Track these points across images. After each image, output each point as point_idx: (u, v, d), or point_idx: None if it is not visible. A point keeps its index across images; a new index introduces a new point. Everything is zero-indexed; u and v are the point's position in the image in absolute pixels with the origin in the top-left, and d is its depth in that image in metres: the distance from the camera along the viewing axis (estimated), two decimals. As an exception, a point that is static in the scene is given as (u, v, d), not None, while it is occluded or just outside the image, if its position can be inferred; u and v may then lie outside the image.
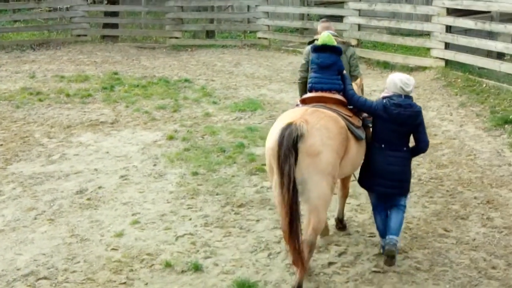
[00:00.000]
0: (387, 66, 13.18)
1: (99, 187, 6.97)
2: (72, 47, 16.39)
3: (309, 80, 5.54)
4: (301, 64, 6.56)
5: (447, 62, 12.05)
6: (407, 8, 13.68)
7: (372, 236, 5.81)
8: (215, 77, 12.76)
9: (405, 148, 5.23)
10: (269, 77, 12.59)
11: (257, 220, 6.15)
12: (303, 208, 4.76)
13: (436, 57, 12.26)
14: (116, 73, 13.07)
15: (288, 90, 11.30)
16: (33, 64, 14.31)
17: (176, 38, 16.84)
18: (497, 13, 12.52)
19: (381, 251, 5.38)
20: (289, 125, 4.66)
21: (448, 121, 9.35)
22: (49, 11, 19.63)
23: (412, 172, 7.26)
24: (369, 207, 6.33)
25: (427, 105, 10.18)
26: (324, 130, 4.76)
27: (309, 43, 6.27)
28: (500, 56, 11.44)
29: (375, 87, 11.67)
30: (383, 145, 5.20)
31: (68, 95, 11.13)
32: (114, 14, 18.07)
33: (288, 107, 9.93)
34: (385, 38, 14.17)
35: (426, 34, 13.45)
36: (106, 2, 17.85)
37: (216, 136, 8.79)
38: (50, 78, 12.67)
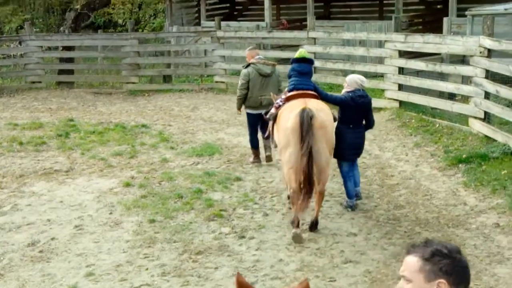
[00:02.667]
0: (343, 108, 13.35)
1: (52, 239, 6.77)
2: (27, 94, 16.15)
3: (291, 83, 7.28)
4: (242, 84, 9.10)
5: (401, 103, 12.28)
6: (360, 51, 13.97)
7: (332, 281, 5.76)
8: (173, 122, 12.71)
9: (363, 125, 7.48)
10: (227, 121, 12.59)
11: (216, 268, 6.05)
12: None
13: (390, 98, 12.49)
14: (71, 120, 12.88)
15: (246, 133, 11.28)
16: (-14, 112, 14.03)
17: (133, 83, 16.76)
18: (446, 55, 12.92)
19: (349, 208, 7.41)
20: (303, 109, 6.52)
21: (404, 161, 9.47)
22: (3, 58, 19.37)
23: (370, 213, 7.34)
24: (328, 251, 6.35)
25: (383, 145, 10.32)
26: (323, 111, 6.75)
27: (245, 67, 9.19)
28: (451, 96, 11.73)
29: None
30: (351, 126, 7.29)
31: (21, 143, 10.89)
32: (70, 60, 17.95)
33: (247, 151, 9.95)
34: (340, 80, 14.31)
35: (380, 76, 13.72)
36: (61, 48, 17.71)
37: (174, 182, 8.69)
38: (2, 126, 12.40)
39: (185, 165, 9.57)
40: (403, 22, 15.94)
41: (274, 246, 6.59)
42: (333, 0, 22.91)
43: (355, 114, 7.27)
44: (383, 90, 12.94)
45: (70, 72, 17.63)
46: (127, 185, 8.57)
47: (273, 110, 7.46)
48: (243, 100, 9.28)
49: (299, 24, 21.13)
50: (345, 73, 15.30)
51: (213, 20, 18.57)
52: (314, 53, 14.27)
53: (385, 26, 16.66)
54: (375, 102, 12.86)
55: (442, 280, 2.09)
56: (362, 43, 15.74)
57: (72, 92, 16.43)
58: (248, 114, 9.44)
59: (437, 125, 10.88)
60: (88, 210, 7.65)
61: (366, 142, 10.27)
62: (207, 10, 21.87)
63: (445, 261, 2.11)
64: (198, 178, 8.78)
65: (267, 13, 19.17)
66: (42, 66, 17.36)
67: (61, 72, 17.63)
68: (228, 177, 8.84)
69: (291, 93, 7.18)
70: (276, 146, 7.51)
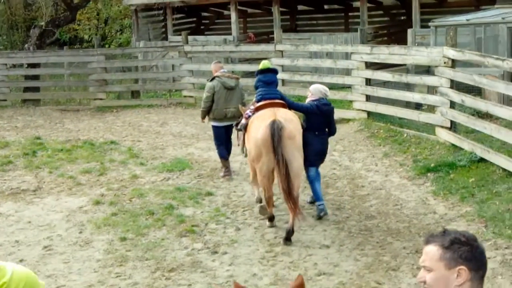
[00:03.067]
0: (312, 120, 13.42)
1: (20, 260, 6.61)
2: (-9, 112, 15.89)
3: (259, 93, 7.62)
4: (206, 97, 9.31)
5: (369, 113, 12.41)
6: (328, 63, 14.10)
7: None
8: (142, 137, 12.61)
9: (326, 132, 7.83)
10: (196, 135, 12.55)
11: (189, 285, 6.00)
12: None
13: (359, 109, 12.61)
14: (38, 138, 12.69)
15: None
16: (-51, 132, 13.74)
17: (101, 99, 16.62)
18: (412, 66, 13.13)
19: (317, 212, 7.66)
20: (273, 121, 6.89)
21: (373, 171, 9.55)
22: (-34, 76, 19.02)
23: (342, 225, 7.38)
24: (301, 264, 6.36)
25: (353, 156, 10.39)
26: (292, 122, 7.09)
27: (210, 80, 9.45)
28: (418, 106, 11.90)
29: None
30: (316, 132, 7.63)
31: (-14, 163, 10.69)
32: (35, 77, 17.73)
33: (217, 165, 9.93)
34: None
35: (348, 87, 13.85)
36: (26, 65, 17.49)
37: (144, 198, 8.61)
38: (-33, 146, 12.17)
39: (155, 181, 9.50)
40: (368, 33, 16.17)
41: (247, 260, 6.57)
42: (299, 13, 23.14)
43: (320, 121, 7.68)
44: (351, 101, 13.07)
45: (36, 89, 17.43)
46: (97, 203, 8.46)
47: (243, 121, 7.82)
48: (207, 112, 9.50)
49: (266, 37, 21.27)
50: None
51: (180, 35, 18.58)
52: (282, 65, 14.35)
53: (351, 38, 16.89)
54: (344, 113, 13.04)
55: (463, 267, 2.16)
56: (329, 55, 15.89)
57: (39, 109, 16.22)
58: (213, 126, 9.61)
59: (405, 135, 11.01)
60: (57, 230, 7.53)
61: (336, 153, 10.47)
62: (173, 25, 21.88)
63: (464, 248, 2.18)
64: (169, 194, 8.72)
65: (234, 26, 19.28)
66: (7, 84, 17.14)
67: (27, 89, 17.42)
68: (199, 192, 8.80)
69: (260, 103, 7.49)
70: (246, 156, 7.92)
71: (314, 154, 7.63)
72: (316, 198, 7.75)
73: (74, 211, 8.21)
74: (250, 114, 7.61)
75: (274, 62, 14.31)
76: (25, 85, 17.66)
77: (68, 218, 7.93)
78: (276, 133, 6.79)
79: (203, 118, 9.75)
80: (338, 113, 13.11)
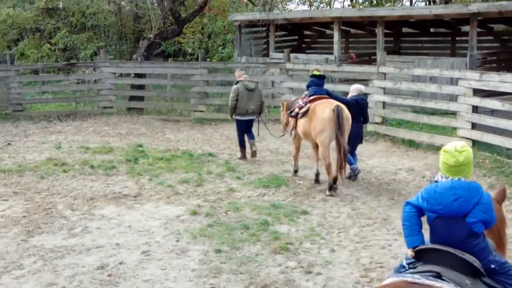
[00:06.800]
0: (412, 145, 13.06)
1: (120, 263, 6.82)
2: (98, 118, 16.63)
3: (312, 90, 10.18)
4: (232, 96, 11.78)
5: (474, 142, 11.92)
6: (432, 88, 13.67)
7: None
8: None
9: (361, 120, 10.51)
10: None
11: (282, 303, 5.93)
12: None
13: (463, 137, 12.12)
14: (140, 145, 13.14)
15: (312, 166, 11.19)
16: (60, 135, 14.49)
17: (201, 111, 17.00)
18: (524, 95, 12.51)
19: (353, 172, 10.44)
20: (337, 105, 9.45)
21: (477, 202, 9.10)
22: (78, 83, 20.08)
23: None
24: None
25: (455, 185, 9.98)
26: (345, 109, 9.60)
27: (235, 83, 11.99)
28: (528, 137, 11.30)
29: (400, 165, 11.56)
30: (355, 119, 9.90)
31: (92, 167, 11.16)
32: (141, 87, 18.42)
33: (313, 184, 9.85)
34: (410, 116, 14.13)
35: (451, 113, 13.40)
36: (133, 75, 18.21)
37: (240, 212, 8.66)
38: (75, 149, 12.78)
39: (251, 196, 9.54)
40: (477, 59, 15.59)
41: (341, 283, 6.42)
42: (403, 35, 22.71)
43: (357, 112, 10.10)
44: (455, 128, 12.62)
45: (141, 98, 18.07)
46: (194, 213, 8.60)
47: (297, 110, 10.27)
48: (234, 110, 11.87)
49: (368, 58, 21.06)
50: (414, 109, 15.10)
51: (282, 52, 18.73)
52: (384, 88, 14.13)
53: (457, 63, 16.37)
54: (446, 140, 12.50)
55: None
56: (432, 79, 15.47)
57: (142, 118, 16.81)
58: (237, 120, 12.04)
59: (513, 167, 10.48)
60: (156, 236, 7.69)
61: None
62: (275, 42, 22.10)
63: None
64: (264, 210, 8.72)
65: (336, 46, 19.19)
66: (114, 92, 17.87)
67: (132, 98, 18.10)
68: (294, 210, 8.75)
69: (312, 97, 10.08)
70: (295, 136, 10.66)
71: (354, 137, 9.97)
72: (350, 163, 10.11)
73: (172, 219, 8.38)
74: (303, 105, 10.14)
75: (375, 85, 14.17)
76: (131, 94, 18.37)
77: (166, 226, 8.10)
78: (340, 114, 9.35)
79: (231, 115, 12.00)
80: (440, 140, 12.77)
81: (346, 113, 9.50)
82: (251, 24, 21.81)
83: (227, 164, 11.59)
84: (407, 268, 4.11)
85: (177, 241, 7.55)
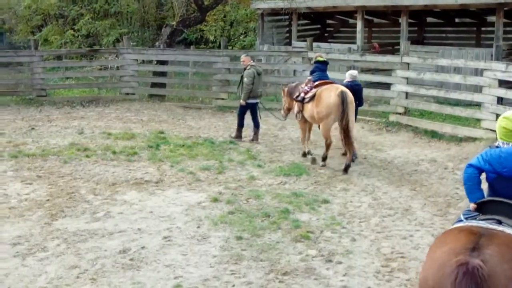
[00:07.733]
0: (435, 136, 12.93)
1: (142, 248, 6.88)
2: (120, 105, 16.71)
3: (316, 76, 11.07)
4: (249, 80, 12.39)
5: (498, 133, 11.76)
6: (456, 78, 13.52)
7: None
8: (260, 140, 12.75)
9: (356, 103, 10.68)
10: (314, 142, 12.48)
11: (303, 291, 5.94)
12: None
13: (487, 128, 12.00)
14: (162, 132, 13.20)
15: (334, 156, 11.18)
16: (82, 121, 14.61)
17: (222, 99, 17.00)
18: (550, 86, 12.31)
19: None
20: (342, 91, 10.21)
21: (500, 195, 9.02)
22: (100, 69, 20.20)
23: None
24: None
25: (478, 177, 9.88)
26: (349, 92, 10.29)
27: (248, 69, 12.54)
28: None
29: (423, 156, 11.47)
30: None
31: (114, 152, 11.24)
32: (163, 74, 18.46)
33: (334, 173, 9.83)
34: (433, 107, 13.99)
35: (475, 105, 13.25)
36: (155, 62, 18.25)
37: (261, 200, 8.68)
38: (97, 135, 12.88)
39: (272, 184, 9.55)
40: (503, 50, 15.38)
41: (362, 273, 6.42)
42: (427, 25, 22.45)
43: (353, 96, 10.49)
44: (479, 120, 12.48)
45: (162, 85, 18.12)
46: (215, 200, 8.63)
47: (302, 94, 10.89)
48: (249, 93, 12.48)
49: (391, 48, 20.87)
50: (437, 99, 14.95)
51: (304, 41, 18.64)
52: (407, 78, 13.99)
53: (482, 54, 16.16)
54: (470, 132, 12.50)
55: None
56: (457, 70, 15.29)
57: (163, 105, 16.86)
58: (248, 103, 12.62)
59: (537, 159, 10.32)
60: (177, 222, 7.75)
61: (459, 173, 9.95)
62: (298, 31, 21.98)
63: None
64: (285, 198, 8.73)
65: (359, 35, 19.05)
66: (136, 79, 17.93)
67: (154, 85, 18.15)
68: (315, 199, 8.75)
69: (317, 82, 10.86)
70: (300, 119, 11.19)
71: None
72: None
73: (193, 206, 8.43)
74: (308, 89, 10.80)
75: (399, 75, 14.05)
76: (153, 81, 18.40)
77: (187, 212, 8.14)
78: (345, 98, 10.08)
79: (246, 99, 12.54)
80: (463, 131, 12.65)
81: (350, 97, 10.21)
82: (274, 12, 21.70)
83: (248, 152, 11.60)
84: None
85: (198, 227, 7.60)
